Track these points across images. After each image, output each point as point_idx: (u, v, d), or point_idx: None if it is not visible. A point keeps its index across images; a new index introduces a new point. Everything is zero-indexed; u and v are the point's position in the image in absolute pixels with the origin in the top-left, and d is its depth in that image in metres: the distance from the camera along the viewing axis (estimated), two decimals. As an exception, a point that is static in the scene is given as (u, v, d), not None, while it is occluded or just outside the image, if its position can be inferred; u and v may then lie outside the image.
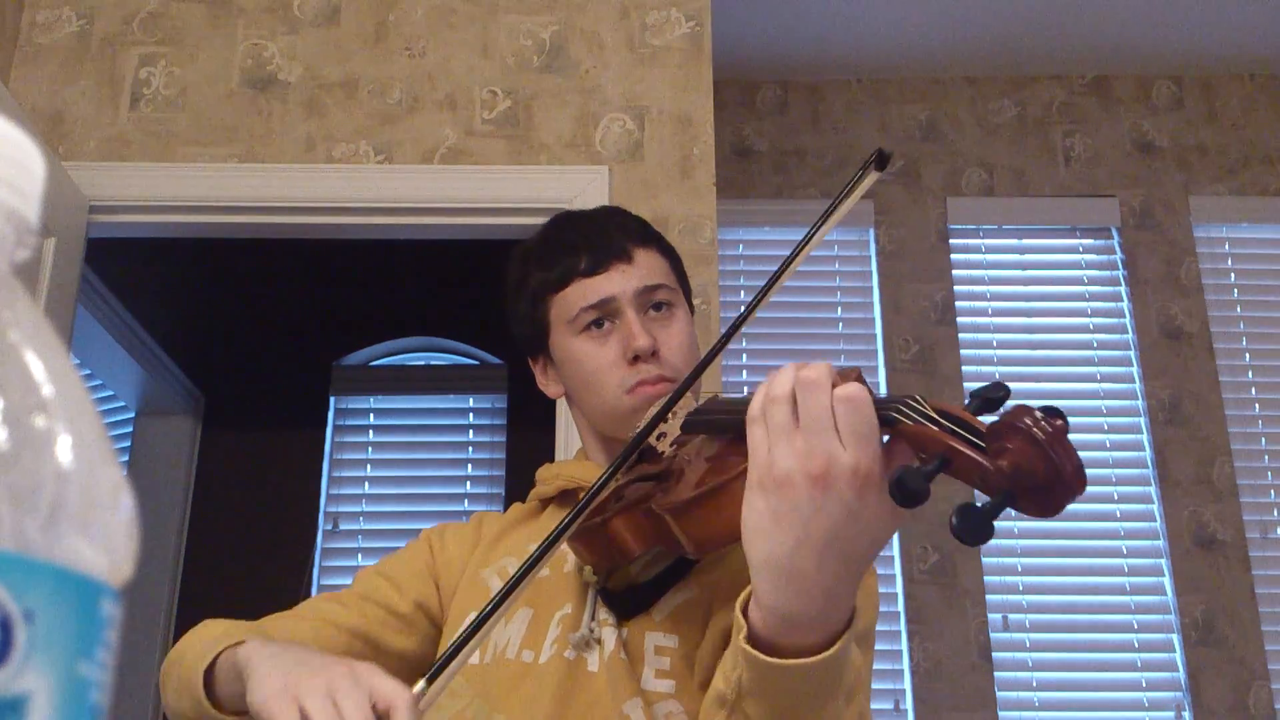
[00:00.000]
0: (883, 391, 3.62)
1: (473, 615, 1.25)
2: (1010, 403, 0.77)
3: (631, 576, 1.18)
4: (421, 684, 0.90)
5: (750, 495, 0.82)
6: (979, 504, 0.69)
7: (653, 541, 1.04)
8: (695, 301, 2.02)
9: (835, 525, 0.78)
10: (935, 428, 0.76)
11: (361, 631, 1.25)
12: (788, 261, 1.07)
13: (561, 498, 1.34)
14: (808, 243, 1.06)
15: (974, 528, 0.68)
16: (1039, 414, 0.72)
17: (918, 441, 0.77)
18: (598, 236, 1.30)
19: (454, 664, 0.89)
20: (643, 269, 1.29)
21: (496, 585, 1.26)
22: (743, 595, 0.87)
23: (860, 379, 0.82)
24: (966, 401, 0.79)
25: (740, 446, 0.87)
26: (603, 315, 1.27)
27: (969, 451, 0.73)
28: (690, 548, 0.99)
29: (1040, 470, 0.70)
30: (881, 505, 0.78)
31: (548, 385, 1.38)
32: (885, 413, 0.79)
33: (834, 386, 0.79)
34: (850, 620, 0.84)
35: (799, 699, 0.84)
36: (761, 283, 1.12)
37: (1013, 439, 0.72)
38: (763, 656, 0.83)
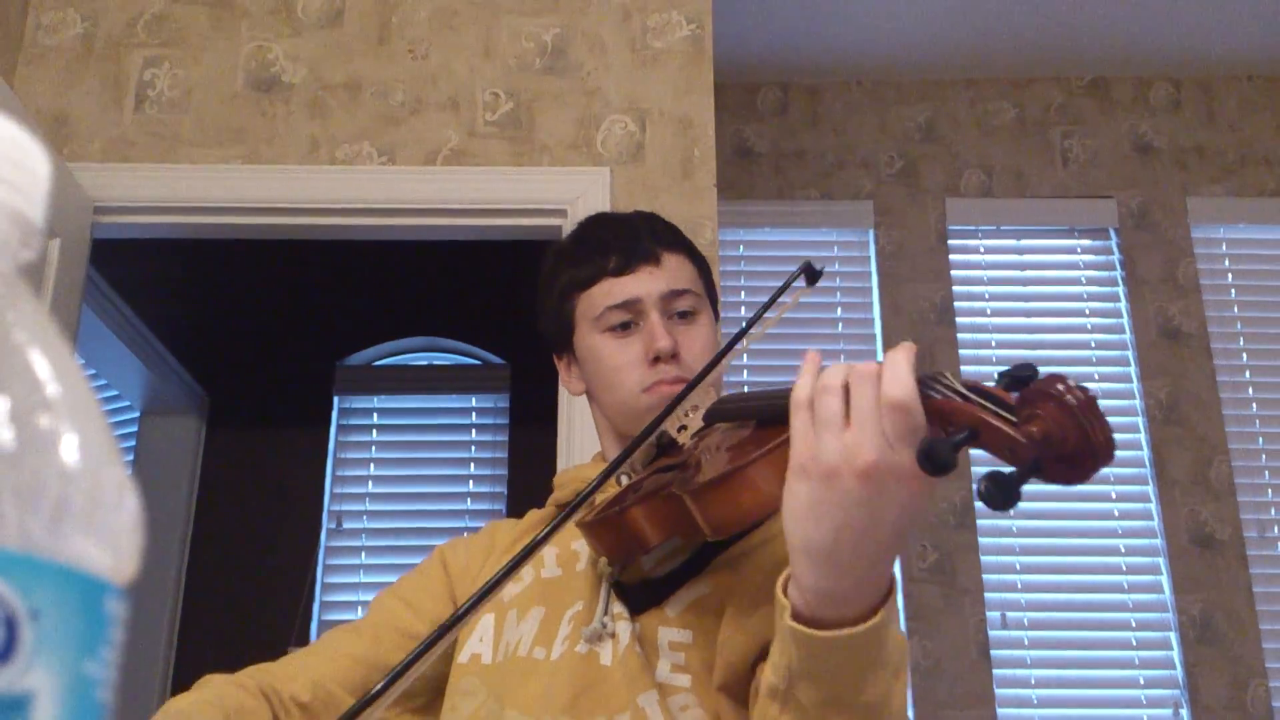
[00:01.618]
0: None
1: (488, 617, 1.26)
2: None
3: (645, 572, 1.19)
4: None
5: (792, 482, 0.82)
6: (1007, 471, 0.70)
7: (671, 528, 1.04)
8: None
9: (876, 514, 0.79)
10: (963, 400, 0.77)
11: (376, 661, 1.25)
12: (716, 359, 1.15)
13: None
14: (728, 350, 1.13)
15: (1004, 494, 0.69)
16: (1071, 382, 0.72)
17: (946, 415, 0.78)
18: (628, 238, 1.31)
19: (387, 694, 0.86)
20: (670, 273, 1.30)
21: (509, 588, 1.26)
22: (781, 577, 0.88)
23: (943, 375, 0.82)
24: (994, 379, 0.79)
25: (762, 434, 0.88)
26: (627, 315, 1.28)
27: (997, 423, 0.74)
28: (709, 530, 0.99)
29: (1072, 437, 0.71)
30: (920, 488, 0.79)
31: (570, 382, 1.39)
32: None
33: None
34: (890, 590, 0.85)
35: (847, 674, 0.84)
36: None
37: (1044, 405, 0.72)
38: (808, 630, 0.83)
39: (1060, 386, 0.72)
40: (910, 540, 3.65)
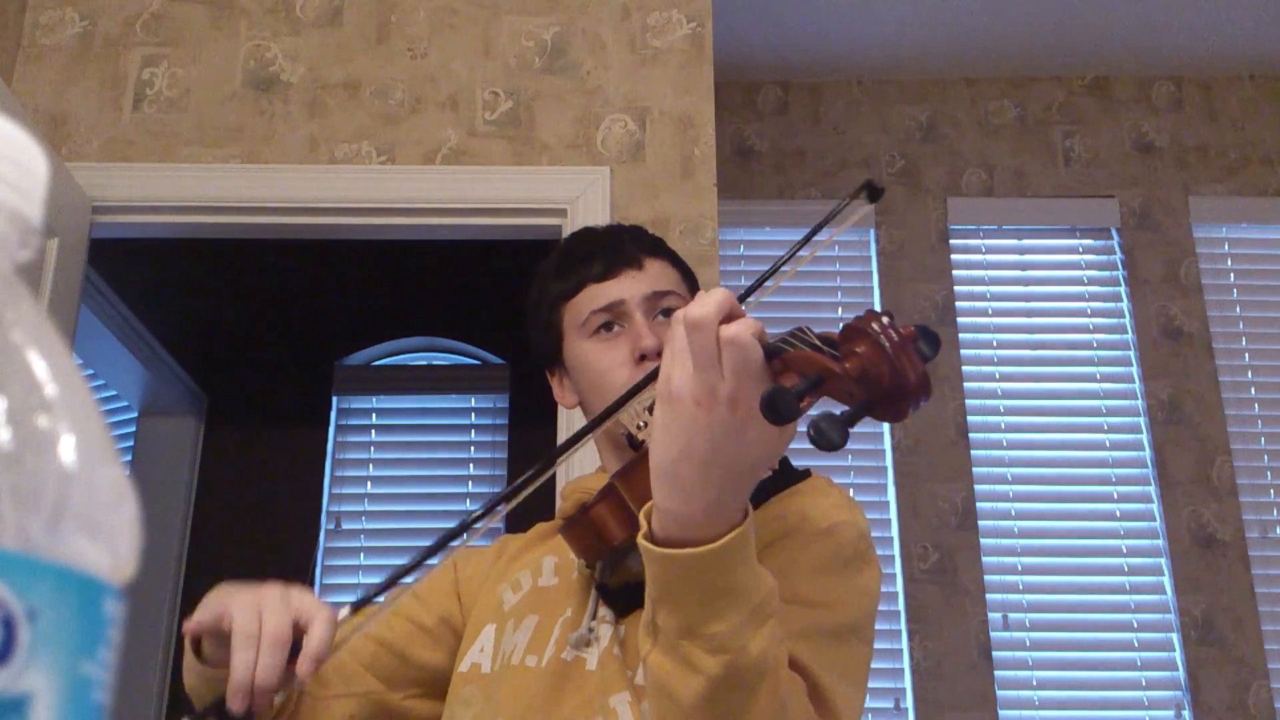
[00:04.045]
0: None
1: (489, 627, 1.28)
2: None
3: (632, 574, 1.19)
4: (346, 610, 1.00)
5: (655, 407, 0.88)
6: (839, 412, 0.72)
7: (625, 520, 1.06)
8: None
9: (716, 443, 0.84)
10: (809, 349, 0.80)
11: (388, 642, 1.30)
12: (755, 285, 1.09)
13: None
14: (772, 273, 1.08)
15: (825, 431, 0.71)
16: (886, 321, 0.74)
17: (798, 366, 0.81)
18: (611, 246, 1.34)
19: (384, 597, 0.99)
20: (653, 276, 1.32)
21: (509, 598, 1.29)
22: (648, 503, 0.92)
23: (803, 330, 0.85)
24: None
25: None
26: (612, 318, 1.29)
27: (829, 364, 0.76)
28: (637, 510, 1.01)
29: (885, 375, 0.73)
30: (764, 430, 0.83)
31: (563, 395, 1.40)
32: (774, 345, 0.84)
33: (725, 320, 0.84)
34: (741, 523, 0.88)
35: (695, 600, 0.87)
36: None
37: (860, 343, 0.75)
38: (652, 546, 0.88)
39: (875, 326, 0.74)
40: (911, 541, 3.65)
